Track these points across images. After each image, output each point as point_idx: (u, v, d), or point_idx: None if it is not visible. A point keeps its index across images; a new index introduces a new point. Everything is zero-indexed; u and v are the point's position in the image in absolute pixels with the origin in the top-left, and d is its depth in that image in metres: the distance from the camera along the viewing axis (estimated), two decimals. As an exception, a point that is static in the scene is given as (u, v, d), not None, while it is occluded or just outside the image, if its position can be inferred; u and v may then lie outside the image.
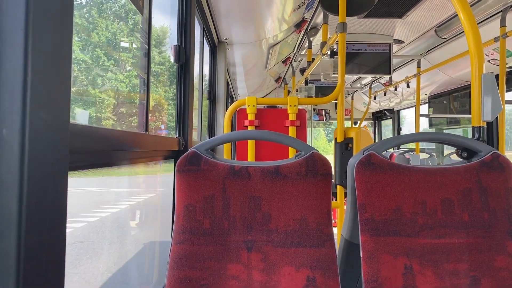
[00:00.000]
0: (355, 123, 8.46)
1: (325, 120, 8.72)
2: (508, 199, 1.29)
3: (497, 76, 3.34)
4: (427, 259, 1.25)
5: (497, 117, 3.44)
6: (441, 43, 4.25)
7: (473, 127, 1.48)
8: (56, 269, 0.66)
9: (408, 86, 5.46)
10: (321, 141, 24.30)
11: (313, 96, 6.83)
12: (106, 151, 1.01)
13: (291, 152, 2.62)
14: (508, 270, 1.23)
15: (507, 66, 3.59)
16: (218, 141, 1.39)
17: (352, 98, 7.99)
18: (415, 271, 1.23)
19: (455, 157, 1.44)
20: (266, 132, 1.45)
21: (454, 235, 1.27)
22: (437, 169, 1.33)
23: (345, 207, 1.65)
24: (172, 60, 1.93)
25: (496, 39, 3.32)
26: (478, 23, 3.45)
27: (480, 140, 1.43)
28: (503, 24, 3.19)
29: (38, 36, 0.61)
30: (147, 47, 1.51)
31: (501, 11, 3.19)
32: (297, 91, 5.99)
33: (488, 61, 3.96)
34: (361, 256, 1.25)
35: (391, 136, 8.34)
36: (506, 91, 3.31)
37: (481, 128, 1.46)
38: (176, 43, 1.93)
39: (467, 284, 1.22)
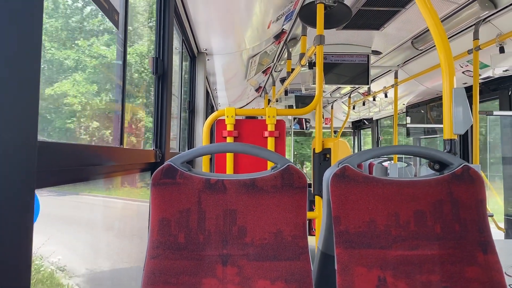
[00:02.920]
0: (335, 132, 8.54)
1: (306, 129, 8.79)
2: (479, 210, 1.32)
3: (470, 87, 3.43)
4: (400, 271, 1.26)
5: (471, 129, 3.53)
6: (417, 55, 4.35)
7: (444, 140, 1.51)
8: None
9: (386, 96, 5.56)
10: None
11: (294, 105, 6.88)
12: (78, 167, 1.00)
13: (270, 164, 2.63)
14: (478, 281, 1.25)
15: (480, 77, 3.68)
16: (194, 154, 1.39)
17: (332, 108, 8.07)
18: (388, 283, 1.25)
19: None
20: (242, 145, 1.46)
21: (427, 247, 1.29)
22: (410, 182, 1.35)
23: None
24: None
25: (469, 51, 3.41)
26: (452, 36, 3.54)
27: (451, 153, 1.47)
28: (476, 37, 3.29)
29: (4, 53, 0.61)
30: (123, 57, 1.50)
31: (474, 24, 3.28)
32: (277, 100, 6.02)
33: (463, 72, 4.06)
34: (336, 268, 1.26)
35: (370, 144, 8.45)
36: (480, 102, 3.40)
37: (452, 141, 1.50)
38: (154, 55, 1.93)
39: None
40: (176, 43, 3.00)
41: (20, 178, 0.65)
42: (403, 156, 6.30)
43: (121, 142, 1.42)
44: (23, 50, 0.66)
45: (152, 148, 1.84)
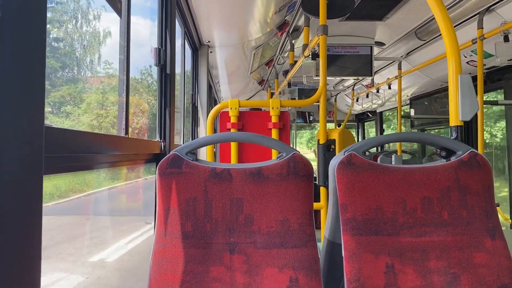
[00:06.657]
0: (339, 125, 8.51)
1: (309, 123, 8.76)
2: (486, 196, 1.31)
3: (475, 77, 3.41)
4: (408, 257, 1.26)
5: (476, 117, 3.51)
6: (421, 45, 4.31)
7: (451, 127, 1.50)
8: (32, 277, 0.64)
9: (389, 87, 5.53)
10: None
11: (297, 98, 6.86)
12: (84, 154, 1.00)
13: (275, 154, 2.62)
14: (486, 266, 1.25)
15: (484, 67, 3.65)
16: (199, 143, 1.38)
17: (335, 100, 8.04)
18: (396, 269, 1.24)
19: (436, 158, 1.46)
20: (246, 134, 1.45)
21: (434, 233, 1.29)
22: (417, 168, 1.34)
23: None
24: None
25: (473, 41, 3.38)
26: (456, 25, 3.51)
27: (458, 140, 1.45)
28: (480, 26, 3.25)
29: (10, 38, 0.60)
30: (126, 47, 1.49)
31: (478, 13, 3.25)
32: (280, 93, 6.00)
33: (467, 62, 4.03)
34: (343, 255, 1.26)
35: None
36: (484, 92, 3.37)
37: (459, 128, 1.48)
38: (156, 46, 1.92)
39: (447, 281, 1.24)
40: (178, 35, 2.99)
41: (28, 162, 0.65)
42: (408, 149, 6.28)
43: (126, 132, 1.42)
44: (29, 34, 0.65)
45: (157, 140, 1.84)
